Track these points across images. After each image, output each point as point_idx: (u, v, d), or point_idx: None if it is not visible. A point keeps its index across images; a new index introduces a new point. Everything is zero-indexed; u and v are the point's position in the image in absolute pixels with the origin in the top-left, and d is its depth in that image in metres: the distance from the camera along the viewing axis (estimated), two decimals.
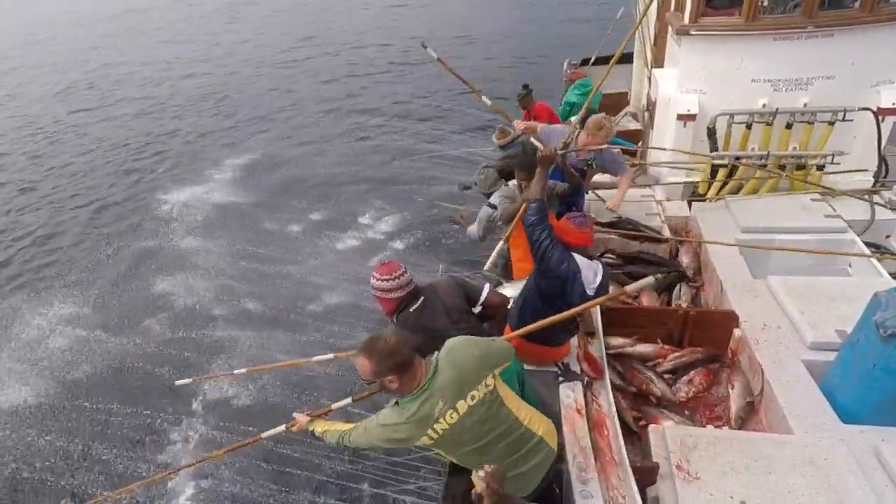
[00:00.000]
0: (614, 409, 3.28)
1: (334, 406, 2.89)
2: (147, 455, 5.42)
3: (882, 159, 5.13)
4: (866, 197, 5.00)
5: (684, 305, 4.42)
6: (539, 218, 3.12)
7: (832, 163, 5.04)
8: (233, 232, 9.09)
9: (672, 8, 5.67)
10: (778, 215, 4.82)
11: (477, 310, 3.14)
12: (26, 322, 7.46)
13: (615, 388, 3.61)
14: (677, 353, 3.98)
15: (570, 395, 3.34)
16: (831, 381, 3.28)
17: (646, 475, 2.82)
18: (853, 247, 4.49)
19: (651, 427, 3.15)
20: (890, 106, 4.84)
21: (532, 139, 4.73)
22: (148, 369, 6.41)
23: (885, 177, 5.27)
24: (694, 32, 5.01)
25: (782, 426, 3.16)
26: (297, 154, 11.96)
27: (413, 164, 10.52)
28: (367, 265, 7.78)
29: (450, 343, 2.33)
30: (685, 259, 4.89)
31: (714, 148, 5.22)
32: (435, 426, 2.17)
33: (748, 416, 3.55)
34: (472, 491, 1.96)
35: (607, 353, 3.78)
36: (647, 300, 4.51)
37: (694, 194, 5.49)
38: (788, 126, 5.03)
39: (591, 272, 3.08)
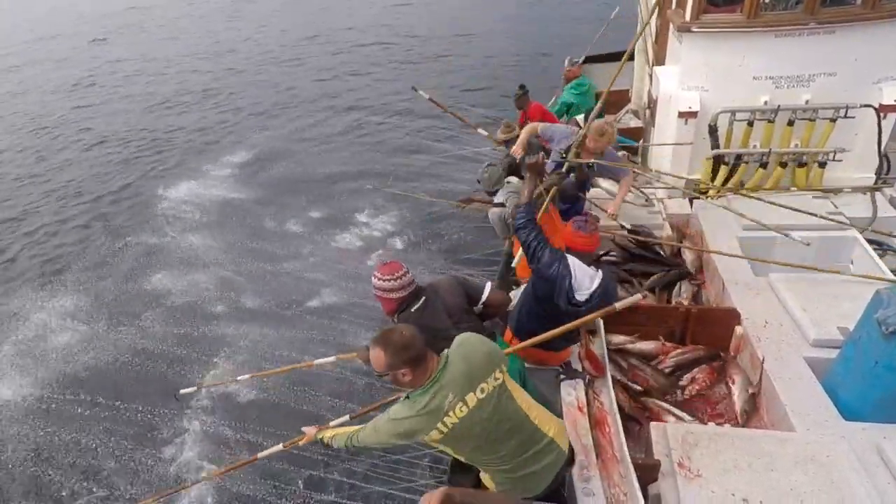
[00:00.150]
0: (616, 406, 3.29)
1: (332, 424, 2.89)
2: (149, 451, 5.40)
3: (884, 156, 5.13)
4: (868, 194, 5.00)
5: (686, 303, 4.42)
6: (527, 220, 3.22)
7: (834, 160, 5.03)
8: (233, 228, 9.08)
9: (674, 5, 5.66)
10: (779, 212, 4.81)
11: (478, 309, 3.14)
12: (27, 316, 7.46)
13: (617, 383, 3.61)
14: (679, 350, 3.99)
15: (571, 392, 3.35)
16: (833, 378, 3.28)
17: (647, 472, 2.82)
18: (855, 244, 4.49)
19: (653, 424, 3.15)
20: (892, 102, 4.83)
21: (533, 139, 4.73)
22: (149, 365, 6.39)
23: (886, 173, 5.27)
24: (695, 29, 5.00)
25: (784, 423, 3.16)
26: (298, 151, 11.95)
27: (413, 161, 10.50)
28: (368, 262, 7.77)
29: (460, 337, 2.34)
30: (687, 256, 4.89)
31: (715, 145, 5.22)
32: (445, 419, 2.16)
33: (752, 409, 3.56)
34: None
35: (608, 351, 3.78)
36: (646, 302, 4.50)
37: (695, 192, 5.48)
38: (790, 123, 5.03)
39: (586, 278, 3.07)
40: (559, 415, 3.19)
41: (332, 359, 3.58)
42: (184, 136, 13.69)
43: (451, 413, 2.17)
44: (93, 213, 10.32)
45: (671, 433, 2.98)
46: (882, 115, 4.86)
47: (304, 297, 7.27)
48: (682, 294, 4.56)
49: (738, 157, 5.24)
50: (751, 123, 5.08)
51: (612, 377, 3.54)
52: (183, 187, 10.69)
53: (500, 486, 2.48)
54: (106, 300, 7.68)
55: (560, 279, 3.07)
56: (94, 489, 5.12)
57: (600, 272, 3.12)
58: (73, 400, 6.07)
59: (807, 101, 4.99)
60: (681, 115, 5.25)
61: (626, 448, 2.94)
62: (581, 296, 3.06)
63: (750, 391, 3.59)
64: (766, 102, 5.05)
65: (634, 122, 7.45)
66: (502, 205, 4.28)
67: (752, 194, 5.15)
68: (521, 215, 3.28)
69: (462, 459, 2.46)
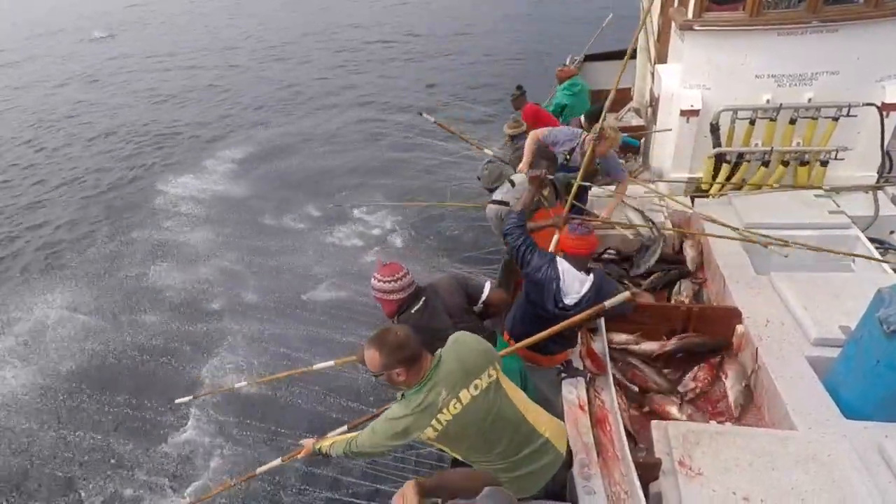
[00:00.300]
0: (617, 404, 3.28)
1: (329, 436, 2.88)
2: (148, 447, 5.40)
3: (886, 155, 5.11)
4: (870, 192, 4.99)
5: (687, 301, 4.42)
6: (516, 225, 3.30)
7: (836, 158, 5.02)
8: (234, 224, 9.10)
9: (676, 3, 5.64)
10: (781, 211, 4.80)
11: (478, 308, 3.13)
12: (28, 308, 7.48)
13: (617, 385, 3.61)
14: (684, 335, 3.98)
15: (572, 391, 3.35)
16: (835, 377, 3.28)
17: (648, 471, 2.81)
18: (857, 243, 4.48)
19: (654, 423, 3.15)
20: (894, 101, 4.82)
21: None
22: (148, 361, 6.40)
23: (889, 172, 5.25)
24: (697, 28, 4.99)
25: (785, 422, 3.16)
26: (299, 147, 11.98)
27: (414, 159, 10.51)
28: (368, 260, 7.77)
29: (454, 336, 2.35)
30: (689, 254, 4.88)
31: (717, 143, 5.21)
32: (439, 416, 2.18)
33: (747, 402, 3.57)
34: None
35: (610, 349, 3.78)
36: (646, 300, 4.49)
37: (697, 190, 5.48)
38: (792, 122, 5.02)
39: (576, 282, 3.06)
40: (560, 413, 3.19)
41: (330, 363, 3.52)
42: (185, 131, 13.75)
43: (445, 410, 2.18)
44: (94, 207, 10.36)
45: (672, 432, 2.97)
46: (885, 113, 4.84)
47: (304, 294, 7.27)
48: (682, 292, 4.56)
49: (740, 155, 5.23)
50: (753, 122, 5.07)
51: (613, 376, 3.54)
52: (184, 182, 10.72)
53: None
54: (106, 294, 7.70)
55: (547, 282, 3.08)
56: (91, 485, 5.11)
57: (592, 276, 3.10)
58: (69, 395, 6.06)
59: (809, 100, 4.97)
60: (683, 113, 5.24)
61: (627, 446, 2.94)
62: (570, 300, 3.06)
63: (744, 383, 3.60)
64: (768, 101, 5.04)
65: (636, 121, 7.43)
66: (501, 202, 4.26)
67: (753, 192, 5.18)
68: (512, 221, 3.33)
69: (460, 458, 2.47)
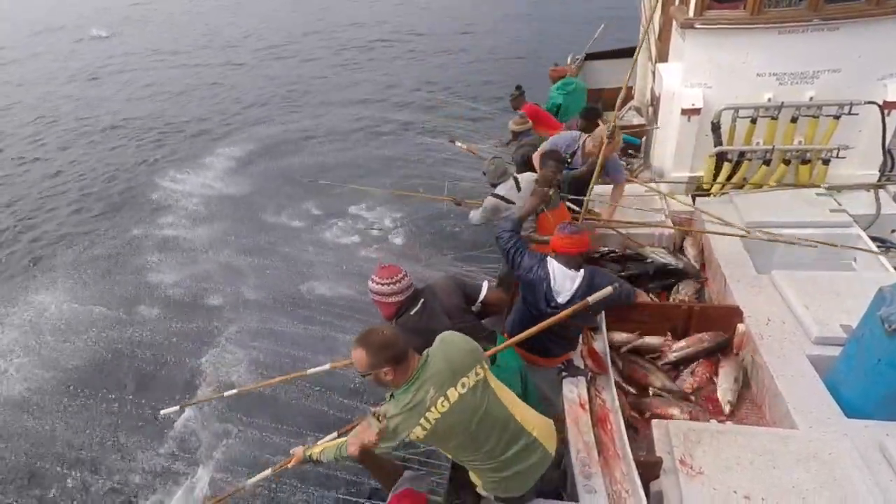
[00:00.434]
0: (618, 403, 3.29)
1: (320, 443, 2.86)
2: (142, 446, 5.37)
3: (888, 153, 5.11)
4: (872, 191, 4.98)
5: (688, 300, 4.42)
6: (508, 230, 3.37)
7: (837, 157, 5.01)
8: (232, 221, 9.11)
9: (677, 2, 5.64)
10: (782, 209, 4.80)
11: (476, 307, 3.13)
12: (26, 304, 7.48)
13: (618, 386, 3.61)
14: (681, 344, 3.99)
15: (573, 389, 3.35)
16: (836, 375, 3.28)
17: (649, 470, 2.82)
18: (858, 241, 4.47)
19: (655, 421, 3.15)
20: None
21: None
22: (146, 358, 6.38)
23: (890, 170, 5.25)
24: (698, 26, 4.98)
25: (786, 421, 3.16)
26: (298, 145, 11.99)
27: (414, 156, 10.51)
28: (367, 257, 7.76)
29: (441, 335, 2.36)
30: (689, 252, 4.88)
31: (718, 142, 5.20)
32: (427, 415, 2.18)
33: (736, 401, 3.58)
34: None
35: (610, 349, 3.79)
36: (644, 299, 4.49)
37: (698, 189, 5.47)
38: (793, 120, 5.01)
39: (567, 280, 3.07)
40: (561, 412, 3.19)
41: (325, 367, 3.40)
42: (186, 128, 13.78)
43: (433, 408, 2.19)
44: (94, 203, 10.39)
45: (673, 430, 2.98)
46: (886, 111, 4.84)
47: (303, 291, 7.26)
48: (682, 291, 4.56)
49: (742, 154, 5.23)
50: (754, 120, 5.06)
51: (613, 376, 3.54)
52: (184, 178, 10.75)
53: (487, 484, 2.50)
54: (105, 289, 7.69)
55: (538, 282, 3.10)
56: (91, 482, 5.11)
57: (582, 272, 3.10)
58: (66, 391, 6.04)
59: (811, 98, 4.97)
60: (684, 112, 5.24)
61: (628, 445, 2.94)
62: (562, 298, 3.06)
63: (733, 379, 3.63)
64: (769, 99, 5.03)
65: (637, 120, 7.43)
66: (503, 198, 4.26)
67: (754, 191, 5.17)
68: (506, 226, 3.38)
69: (449, 457, 2.47)
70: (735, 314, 3.91)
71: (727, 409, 3.54)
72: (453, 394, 2.22)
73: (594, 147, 4.41)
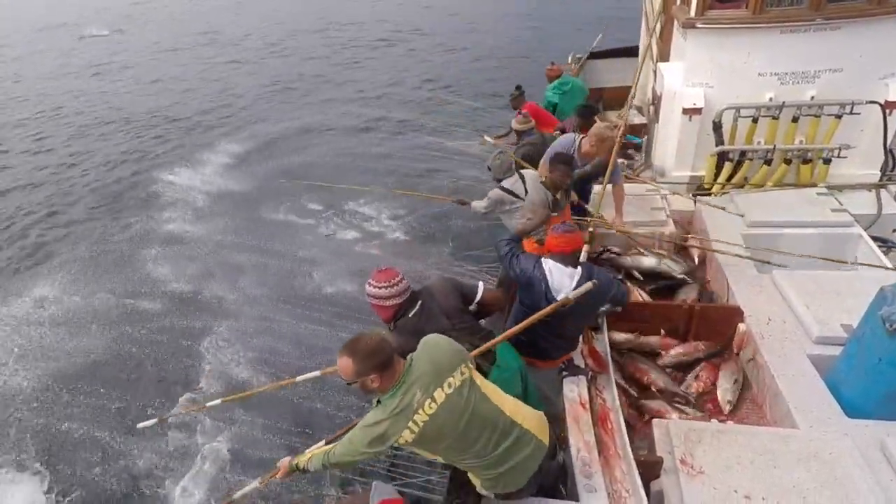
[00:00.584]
0: (618, 403, 3.29)
1: (308, 451, 2.82)
2: (136, 445, 5.31)
3: (889, 152, 5.10)
4: (873, 190, 4.98)
5: (689, 300, 4.41)
6: (507, 240, 3.52)
7: (839, 156, 5.01)
8: (232, 217, 9.09)
9: (678, 1, 5.63)
10: (784, 209, 4.79)
11: (473, 308, 3.13)
12: (22, 300, 7.46)
13: (618, 386, 3.61)
14: (680, 350, 3.99)
15: (574, 389, 3.35)
16: (837, 375, 3.28)
17: (650, 469, 2.82)
18: (859, 241, 4.47)
19: (655, 421, 3.15)
20: None
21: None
22: (144, 356, 6.34)
23: (891, 170, 5.25)
24: (700, 26, 4.98)
25: (787, 420, 3.16)
26: (299, 142, 11.98)
27: (415, 155, 10.50)
28: (367, 256, 7.75)
29: (424, 338, 2.37)
30: (690, 251, 4.87)
31: (720, 142, 5.20)
32: (415, 417, 2.18)
33: (736, 401, 3.59)
34: None
35: (611, 349, 3.78)
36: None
37: (699, 188, 5.47)
38: (795, 120, 5.01)
39: (565, 278, 3.09)
40: (561, 411, 3.19)
41: (315, 374, 3.29)
42: (187, 124, 13.79)
43: (420, 411, 2.19)
44: (93, 198, 10.41)
45: (674, 430, 2.97)
46: (888, 111, 4.84)
47: (302, 290, 7.24)
48: (682, 293, 4.55)
49: (743, 153, 5.22)
50: (755, 120, 5.06)
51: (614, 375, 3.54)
52: (182, 175, 10.74)
53: (484, 483, 2.50)
54: (103, 285, 7.66)
55: (536, 283, 3.12)
56: (88, 480, 5.09)
57: (579, 269, 3.12)
58: (64, 389, 5.98)
59: (812, 98, 4.97)
60: (685, 111, 5.24)
61: (628, 444, 2.94)
62: (561, 296, 3.06)
63: (734, 380, 3.63)
64: (770, 99, 5.03)
65: (638, 119, 7.43)
66: (510, 190, 4.27)
67: (755, 191, 5.17)
68: (505, 237, 3.54)
69: (441, 460, 2.46)
70: (736, 314, 3.91)
71: (727, 408, 3.55)
72: (440, 394, 2.22)
73: (591, 147, 4.41)
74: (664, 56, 6.22)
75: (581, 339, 3.62)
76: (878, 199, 4.91)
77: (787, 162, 5.16)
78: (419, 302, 2.90)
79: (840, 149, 4.95)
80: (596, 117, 5.19)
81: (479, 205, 4.50)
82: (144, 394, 5.91)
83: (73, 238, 9.08)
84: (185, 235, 8.75)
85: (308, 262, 7.80)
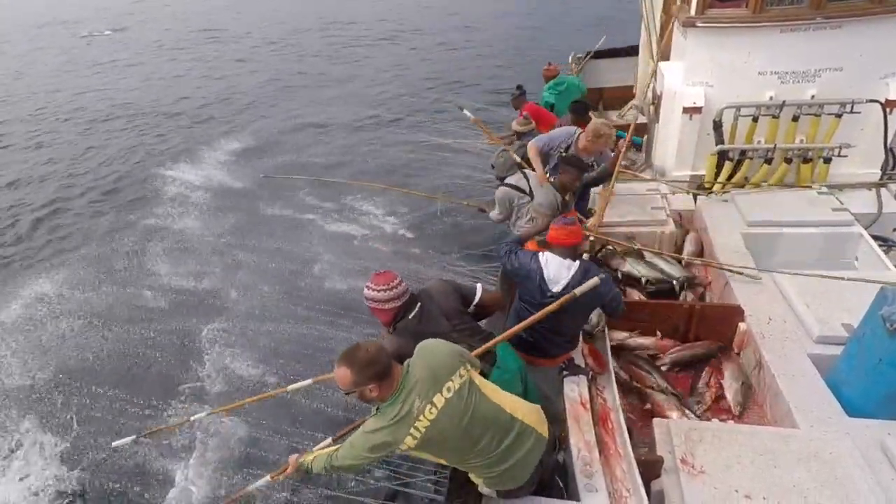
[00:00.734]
0: (619, 402, 3.29)
1: (314, 449, 2.83)
2: (134, 446, 5.31)
3: (889, 151, 5.10)
4: (873, 189, 4.97)
5: (689, 299, 4.41)
6: (508, 242, 3.57)
7: (839, 155, 5.00)
8: (232, 214, 9.08)
9: (678, 0, 5.63)
10: (784, 208, 4.79)
11: (472, 309, 3.14)
12: (21, 297, 7.45)
13: (620, 385, 3.61)
14: (678, 348, 3.99)
15: (574, 388, 3.35)
16: (837, 375, 3.27)
17: (650, 468, 2.82)
18: (860, 240, 4.47)
19: (656, 420, 3.15)
20: None
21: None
22: (142, 355, 6.30)
23: (892, 169, 5.24)
24: (700, 25, 4.98)
25: (788, 420, 3.16)
26: (299, 141, 11.99)
27: (415, 155, 10.48)
28: (367, 254, 7.74)
29: (420, 344, 2.37)
30: (688, 249, 4.84)
31: (720, 141, 5.19)
32: (416, 424, 2.18)
33: (746, 400, 3.58)
34: None
35: (612, 348, 3.78)
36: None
37: (700, 187, 5.47)
38: (795, 119, 5.01)
39: (563, 269, 3.12)
40: (562, 411, 3.19)
41: (308, 382, 3.29)
42: (187, 122, 13.82)
43: (421, 417, 2.19)
44: (90, 195, 10.42)
45: (674, 429, 2.98)
46: (888, 110, 4.83)
47: (301, 288, 7.21)
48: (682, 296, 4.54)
49: (743, 152, 5.22)
50: (756, 119, 5.06)
51: (614, 375, 3.54)
52: (183, 172, 10.73)
53: (487, 481, 2.51)
54: (101, 282, 7.64)
55: (532, 274, 3.17)
56: (89, 479, 5.08)
57: (577, 263, 3.15)
58: (61, 386, 5.95)
59: (812, 97, 4.97)
60: (685, 110, 5.24)
61: (629, 444, 2.94)
62: (557, 287, 3.10)
63: (741, 381, 3.61)
64: (771, 98, 5.03)
65: (639, 118, 7.43)
66: (516, 186, 4.27)
67: (756, 190, 5.17)
68: (508, 240, 3.57)
69: (444, 463, 2.46)
70: (736, 313, 3.91)
71: (737, 409, 3.53)
72: (440, 399, 2.22)
73: (587, 142, 4.42)
74: (664, 55, 6.22)
75: (581, 338, 3.63)
76: (879, 198, 4.90)
77: (788, 161, 5.16)
78: (419, 304, 2.89)
79: (840, 148, 4.94)
80: (593, 115, 5.20)
81: (494, 213, 4.54)
82: (144, 393, 5.84)
83: (74, 235, 9.08)
84: (186, 231, 8.74)
85: (309, 260, 7.78)
